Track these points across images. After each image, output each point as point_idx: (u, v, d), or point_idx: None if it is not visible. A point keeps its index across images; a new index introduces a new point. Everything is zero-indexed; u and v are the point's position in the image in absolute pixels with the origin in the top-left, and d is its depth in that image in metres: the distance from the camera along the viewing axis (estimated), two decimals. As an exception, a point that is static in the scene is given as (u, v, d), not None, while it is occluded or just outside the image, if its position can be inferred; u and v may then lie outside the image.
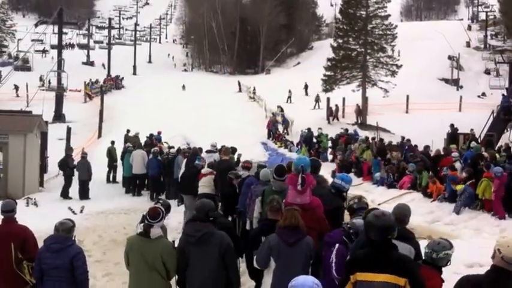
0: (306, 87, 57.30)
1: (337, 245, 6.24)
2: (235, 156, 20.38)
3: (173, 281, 7.71)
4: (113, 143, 26.55)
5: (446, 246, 5.93)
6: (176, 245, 7.48)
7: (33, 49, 61.02)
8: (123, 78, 69.72)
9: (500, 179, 15.67)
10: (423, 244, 6.51)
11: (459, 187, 17.09)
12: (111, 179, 25.65)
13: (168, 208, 9.40)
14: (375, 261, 5.14)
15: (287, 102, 53.00)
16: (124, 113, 46.46)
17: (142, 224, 7.35)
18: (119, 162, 25.47)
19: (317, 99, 50.57)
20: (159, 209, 7.39)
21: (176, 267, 7.20)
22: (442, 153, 22.08)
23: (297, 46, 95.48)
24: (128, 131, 29.71)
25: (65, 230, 7.63)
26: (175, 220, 15.80)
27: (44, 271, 7.54)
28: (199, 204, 7.35)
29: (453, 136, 30.61)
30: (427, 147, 24.62)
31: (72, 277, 7.50)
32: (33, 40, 56.96)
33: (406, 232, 6.49)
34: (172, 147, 24.06)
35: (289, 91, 55.65)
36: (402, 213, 6.58)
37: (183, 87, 61.09)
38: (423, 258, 6.06)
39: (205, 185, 14.32)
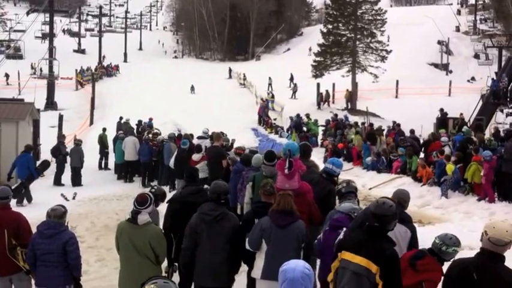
0: (292, 78, 55.95)
1: (344, 229, 6.39)
2: (230, 141, 20.39)
3: (164, 266, 7.83)
4: (104, 130, 26.52)
5: (457, 243, 6.05)
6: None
7: (26, 36, 60.86)
8: (117, 66, 69.50)
9: (489, 163, 15.78)
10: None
11: (450, 167, 17.17)
12: (103, 165, 25.66)
13: (163, 196, 9.45)
14: (358, 243, 5.28)
15: (268, 90, 52.72)
16: (115, 100, 46.35)
17: (130, 210, 7.41)
18: (111, 149, 25.47)
19: (294, 89, 49.39)
20: (146, 195, 7.45)
21: (165, 252, 7.32)
22: (431, 138, 22.16)
23: (287, 32, 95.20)
24: (121, 118, 29.70)
25: (57, 216, 7.71)
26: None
27: (37, 256, 7.63)
28: (213, 186, 7.42)
29: (442, 120, 30.71)
30: (412, 132, 24.80)
31: (65, 262, 7.59)
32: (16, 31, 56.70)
33: (405, 215, 6.66)
34: (156, 133, 24.20)
35: (270, 78, 55.23)
36: (402, 198, 6.87)
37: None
38: (430, 247, 6.13)
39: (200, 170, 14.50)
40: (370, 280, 5.09)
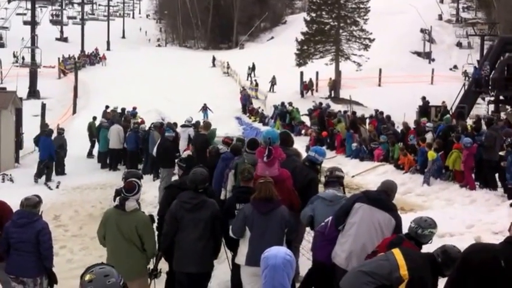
0: (253, 68, 55.28)
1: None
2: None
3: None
4: (94, 118, 26.36)
5: (432, 225, 6.11)
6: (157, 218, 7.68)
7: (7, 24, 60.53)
8: (102, 54, 69.01)
9: (469, 150, 15.88)
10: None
11: (431, 154, 17.33)
12: (89, 154, 25.52)
13: (138, 179, 9.34)
14: (411, 251, 5.62)
15: (247, 79, 52.61)
16: (99, 88, 46.10)
17: (118, 197, 7.46)
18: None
19: (273, 82, 48.65)
20: (134, 182, 7.48)
21: (153, 239, 7.38)
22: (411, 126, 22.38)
23: (271, 20, 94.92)
24: (107, 106, 29.60)
25: (29, 205, 7.77)
26: (151, 194, 15.96)
27: (11, 245, 7.68)
28: (191, 175, 7.48)
29: (424, 109, 30.89)
30: (389, 118, 25.02)
31: (38, 252, 7.66)
32: None
33: (391, 204, 6.77)
34: (137, 122, 24.15)
35: (249, 68, 55.01)
36: (390, 188, 6.98)
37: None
38: (407, 232, 6.23)
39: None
40: (391, 276, 5.28)
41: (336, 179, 7.77)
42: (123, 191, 7.36)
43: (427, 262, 5.44)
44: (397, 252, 5.50)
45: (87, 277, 3.59)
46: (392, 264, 5.34)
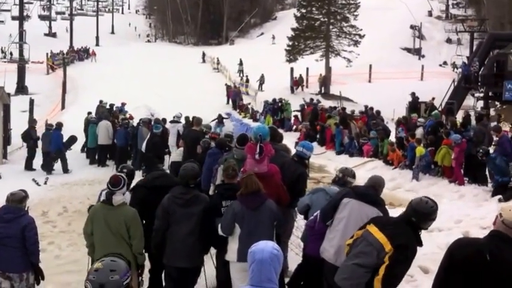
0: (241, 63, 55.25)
1: None
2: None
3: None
4: (89, 113, 26.20)
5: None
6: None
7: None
8: (90, 50, 68.68)
9: (459, 146, 15.96)
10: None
11: (419, 150, 17.37)
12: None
13: (131, 174, 9.26)
14: (388, 222, 5.82)
15: (239, 75, 52.48)
16: (87, 84, 45.91)
17: (105, 192, 7.40)
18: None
19: (261, 81, 47.78)
20: (120, 177, 7.45)
21: (141, 232, 7.33)
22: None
23: (261, 16, 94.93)
24: (101, 101, 29.48)
25: (15, 200, 7.73)
26: (140, 190, 15.84)
27: None
28: (181, 171, 7.49)
29: (414, 105, 30.98)
30: (378, 114, 25.09)
31: (24, 247, 7.63)
32: None
33: (379, 199, 6.78)
34: (125, 118, 24.02)
35: (239, 64, 54.92)
36: (377, 183, 7.04)
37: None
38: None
39: (177, 153, 14.54)
40: (380, 256, 5.47)
41: (343, 184, 7.76)
42: (108, 185, 7.28)
43: (403, 225, 5.61)
44: (373, 229, 5.65)
45: (97, 264, 3.61)
46: (376, 246, 5.53)
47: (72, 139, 23.56)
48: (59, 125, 22.48)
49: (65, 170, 21.73)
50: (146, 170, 15.31)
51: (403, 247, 5.43)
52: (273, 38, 73.44)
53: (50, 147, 21.52)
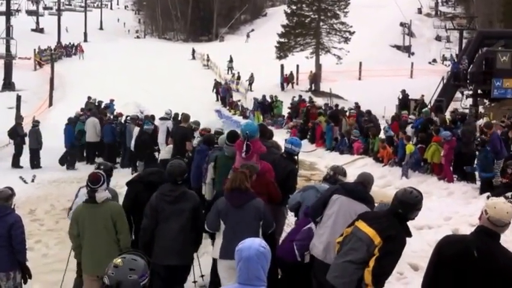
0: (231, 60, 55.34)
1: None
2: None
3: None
4: (82, 110, 26.04)
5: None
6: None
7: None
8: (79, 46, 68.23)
9: (449, 143, 15.96)
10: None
11: (409, 147, 17.36)
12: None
13: (110, 170, 8.80)
14: (375, 217, 5.86)
15: (228, 72, 52.35)
16: (75, 81, 45.64)
17: (86, 192, 7.27)
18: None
19: (250, 80, 46.81)
20: (99, 174, 7.34)
21: (127, 226, 7.26)
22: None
23: (251, 13, 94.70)
24: (89, 98, 29.31)
25: (1, 198, 7.65)
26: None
27: None
28: (168, 168, 7.44)
29: (404, 102, 31.01)
30: (369, 113, 25.04)
31: (11, 246, 7.56)
32: None
33: (367, 196, 6.79)
34: (114, 115, 23.93)
35: (229, 61, 54.87)
36: (366, 179, 7.05)
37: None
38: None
39: (166, 151, 14.48)
40: (369, 250, 5.53)
41: (334, 182, 7.74)
42: (88, 183, 7.16)
43: (391, 217, 5.66)
44: (361, 224, 5.72)
45: (117, 260, 3.56)
46: (366, 240, 5.60)
47: (81, 133, 23.23)
48: (70, 120, 23.10)
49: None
50: (145, 165, 15.26)
51: (392, 238, 5.50)
52: (248, 36, 75.67)
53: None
